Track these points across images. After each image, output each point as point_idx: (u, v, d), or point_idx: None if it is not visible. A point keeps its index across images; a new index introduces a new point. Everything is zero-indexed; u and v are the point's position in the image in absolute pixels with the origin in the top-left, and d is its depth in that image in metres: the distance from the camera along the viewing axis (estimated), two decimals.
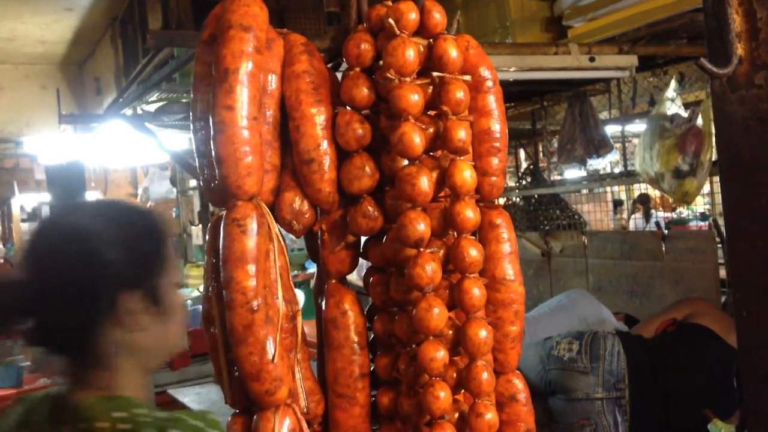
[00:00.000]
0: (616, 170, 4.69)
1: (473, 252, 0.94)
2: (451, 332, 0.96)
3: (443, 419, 0.93)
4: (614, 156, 4.33)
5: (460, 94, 0.95)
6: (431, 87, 0.98)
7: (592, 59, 3.04)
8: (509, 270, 1.01)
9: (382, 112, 1.01)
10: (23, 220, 10.10)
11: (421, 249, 0.93)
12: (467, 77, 0.98)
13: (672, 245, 3.47)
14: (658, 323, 2.67)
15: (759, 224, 1.38)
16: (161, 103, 3.73)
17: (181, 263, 8.04)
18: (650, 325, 2.71)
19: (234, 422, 0.99)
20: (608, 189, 6.00)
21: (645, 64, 3.48)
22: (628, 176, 4.06)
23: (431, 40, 0.98)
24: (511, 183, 5.56)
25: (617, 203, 7.33)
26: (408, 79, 0.94)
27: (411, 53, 0.94)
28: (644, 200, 7.78)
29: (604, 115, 4.62)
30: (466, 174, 0.94)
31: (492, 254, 1.01)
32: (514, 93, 4.22)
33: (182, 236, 8.29)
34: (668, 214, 8.27)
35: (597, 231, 4.43)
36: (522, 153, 5.55)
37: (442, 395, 0.92)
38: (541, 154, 5.13)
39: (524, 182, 4.97)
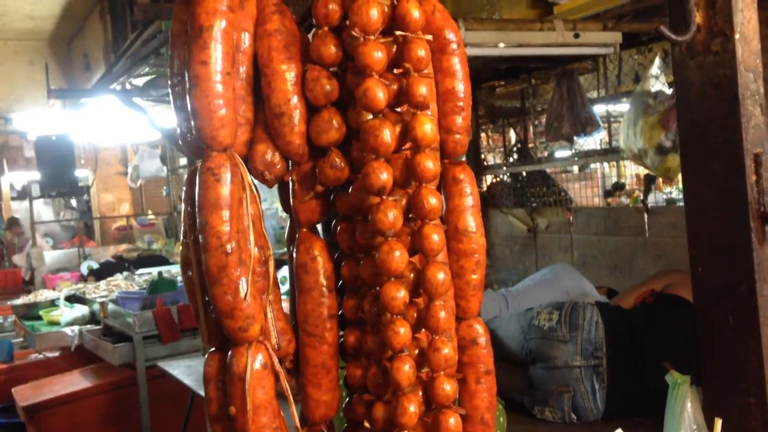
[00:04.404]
0: None
1: (432, 200, 1.00)
2: (412, 275, 1.03)
3: (403, 353, 1.01)
4: (601, 134, 4.37)
5: (421, 52, 1.01)
6: (395, 46, 1.04)
7: (576, 36, 3.08)
8: (471, 222, 1.08)
9: (348, 69, 1.07)
10: (13, 198, 10.08)
11: (384, 197, 1.00)
12: (429, 36, 1.03)
13: (654, 221, 3.53)
14: (636, 294, 2.73)
15: (711, 185, 1.45)
16: (150, 77, 3.75)
17: (171, 241, 8.07)
18: (629, 297, 2.77)
19: (210, 358, 1.06)
20: (597, 166, 6.01)
21: (630, 41, 3.52)
22: (612, 153, 4.12)
23: (395, 1, 1.03)
24: (499, 160, 5.59)
25: (617, 187, 7.35)
26: (372, 37, 1.00)
27: (375, 12, 1.00)
28: (647, 181, 7.77)
29: (592, 94, 4.65)
30: (426, 127, 1.00)
31: (455, 207, 1.08)
32: (503, 70, 4.25)
33: (173, 214, 8.32)
34: (666, 195, 8.32)
35: (581, 207, 4.48)
36: (512, 132, 5.57)
37: (402, 331, 0.99)
38: (531, 133, 5.16)
39: (512, 159, 5.01)
